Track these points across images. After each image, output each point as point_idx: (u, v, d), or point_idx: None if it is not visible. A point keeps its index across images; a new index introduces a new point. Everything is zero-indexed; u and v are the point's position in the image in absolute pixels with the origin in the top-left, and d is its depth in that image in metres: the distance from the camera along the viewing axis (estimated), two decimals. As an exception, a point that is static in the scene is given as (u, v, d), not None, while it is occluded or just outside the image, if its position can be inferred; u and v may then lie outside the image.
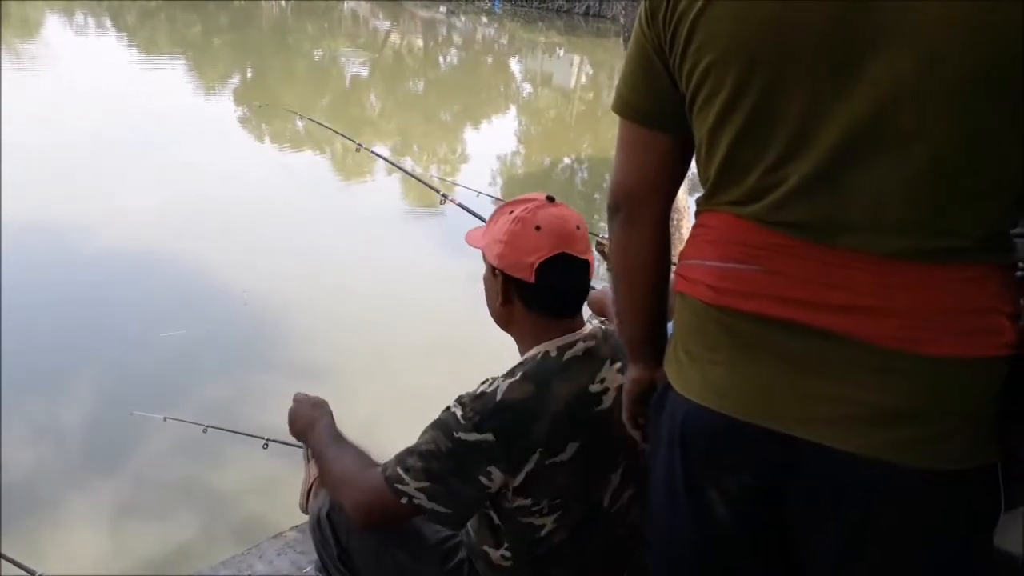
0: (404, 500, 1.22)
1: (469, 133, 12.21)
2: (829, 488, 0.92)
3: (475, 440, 1.19)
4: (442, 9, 27.83)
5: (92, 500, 3.23)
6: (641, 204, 1.09)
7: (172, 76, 13.32)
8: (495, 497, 1.26)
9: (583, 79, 18.27)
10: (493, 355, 4.84)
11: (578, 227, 1.28)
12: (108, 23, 19.67)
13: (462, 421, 1.21)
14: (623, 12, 3.99)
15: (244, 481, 3.31)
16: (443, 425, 1.23)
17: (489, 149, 10.61)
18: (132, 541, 3.04)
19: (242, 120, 11.01)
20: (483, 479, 1.21)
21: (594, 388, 1.26)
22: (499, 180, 9.40)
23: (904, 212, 0.86)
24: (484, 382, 1.26)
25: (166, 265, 5.53)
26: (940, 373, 0.87)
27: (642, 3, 1.02)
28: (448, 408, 1.25)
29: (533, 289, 1.26)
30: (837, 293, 0.89)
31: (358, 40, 21.24)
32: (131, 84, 12.11)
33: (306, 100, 12.88)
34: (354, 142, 3.22)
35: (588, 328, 1.32)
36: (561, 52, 21.36)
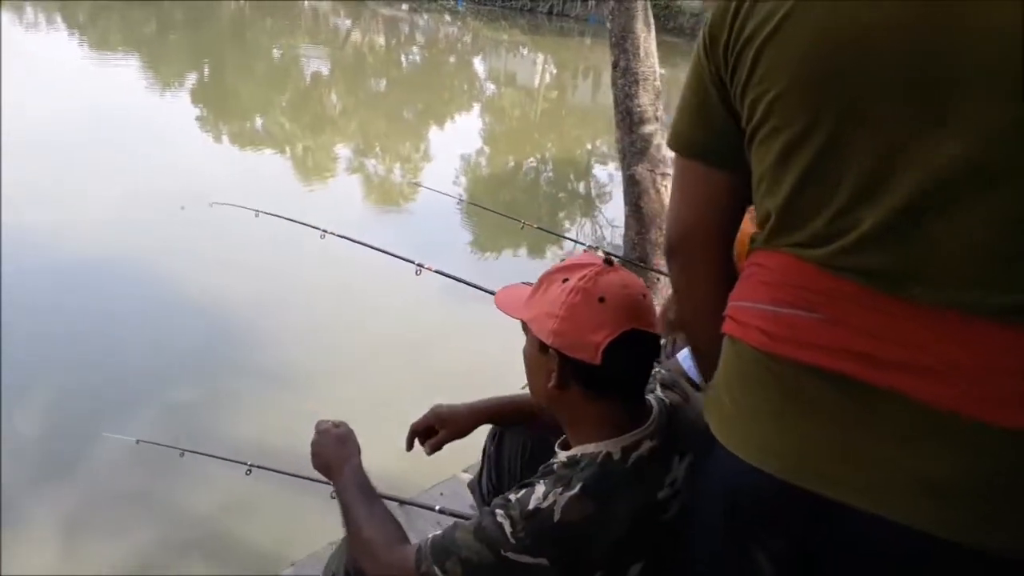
0: None
1: (433, 132, 12.09)
2: (878, 558, 0.85)
3: (527, 563, 1.05)
4: (404, 7, 27.58)
5: (58, 533, 2.99)
6: (701, 247, 1.03)
7: (126, 73, 12.96)
8: None
9: (547, 78, 18.23)
10: (466, 358, 4.78)
11: (644, 295, 1.13)
12: (59, 19, 19.10)
13: (511, 540, 1.06)
14: (610, 17, 3.91)
15: (225, 506, 3.13)
16: (488, 538, 1.08)
17: (453, 148, 10.50)
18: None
19: (200, 120, 10.75)
20: None
21: (663, 495, 1.12)
22: (463, 180, 9.30)
23: (985, 264, 0.79)
24: (533, 489, 1.09)
25: (124, 268, 5.34)
26: (1003, 445, 0.79)
27: (701, 32, 0.96)
28: (493, 514, 1.09)
29: (598, 372, 1.09)
30: (900, 349, 0.82)
31: (318, 38, 20.94)
32: (83, 81, 11.76)
33: (265, 98, 12.65)
34: (318, 229, 3.03)
35: (654, 415, 1.15)
36: (525, 51, 21.31)
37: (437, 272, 2.64)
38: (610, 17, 3.83)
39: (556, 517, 1.05)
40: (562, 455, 1.14)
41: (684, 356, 1.80)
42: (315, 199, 7.87)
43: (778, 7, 0.85)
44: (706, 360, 1.08)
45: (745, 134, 0.93)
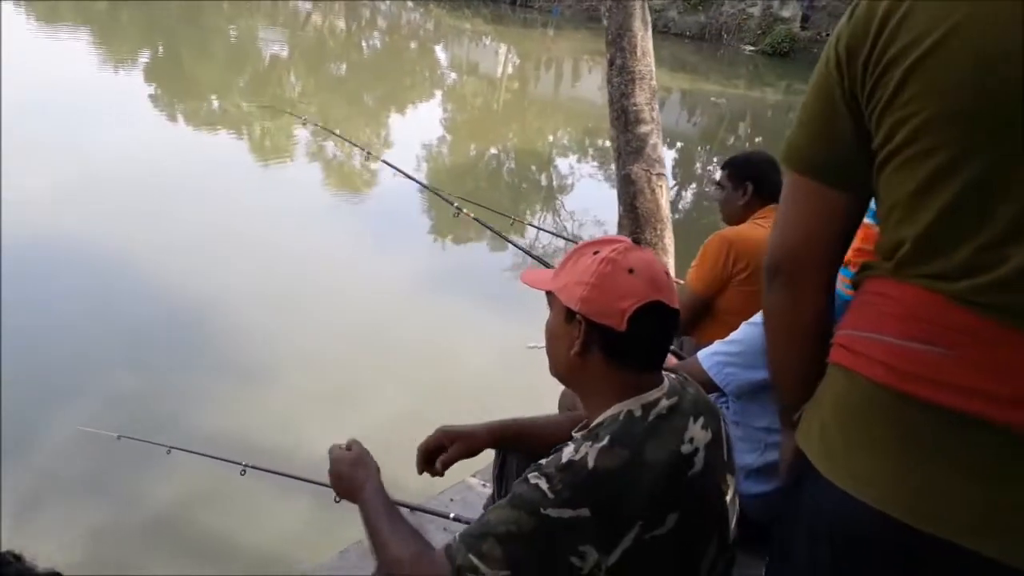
0: None
1: (394, 118, 11.96)
2: None
3: (568, 517, 1.05)
4: (366, -9, 27.24)
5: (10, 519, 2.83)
6: (807, 269, 1.00)
7: (76, 48, 12.53)
8: None
9: (510, 69, 18.17)
10: (424, 349, 4.71)
11: (667, 273, 1.17)
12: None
13: (550, 495, 1.06)
14: (607, 14, 3.81)
15: (216, 507, 2.97)
16: (525, 502, 1.07)
17: (414, 135, 10.40)
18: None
19: (153, 98, 10.46)
20: (574, 560, 1.07)
21: (685, 450, 1.14)
22: (424, 167, 9.22)
23: None
24: (562, 451, 1.11)
25: (74, 253, 5.13)
26: None
27: (832, 43, 0.91)
28: (526, 480, 1.10)
29: (622, 338, 1.12)
30: None
31: (277, 20, 20.54)
32: (30, 55, 11.33)
33: (222, 79, 12.36)
34: (363, 149, 3.05)
35: (667, 382, 1.19)
36: (488, 41, 21.20)
37: (475, 220, 2.69)
38: (607, 14, 3.76)
39: (591, 465, 1.06)
40: (580, 434, 1.15)
41: (704, 355, 1.81)
42: (273, 180, 7.73)
43: (935, 25, 0.80)
44: (792, 381, 1.08)
45: (876, 156, 0.89)
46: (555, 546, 1.06)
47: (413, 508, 2.17)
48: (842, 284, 1.55)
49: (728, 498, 1.20)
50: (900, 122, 0.84)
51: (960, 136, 0.80)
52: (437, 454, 1.52)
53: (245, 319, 4.57)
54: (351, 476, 1.34)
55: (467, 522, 1.82)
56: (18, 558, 0.82)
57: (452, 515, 1.90)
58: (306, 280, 5.29)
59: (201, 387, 3.86)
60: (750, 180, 2.39)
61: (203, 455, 2.24)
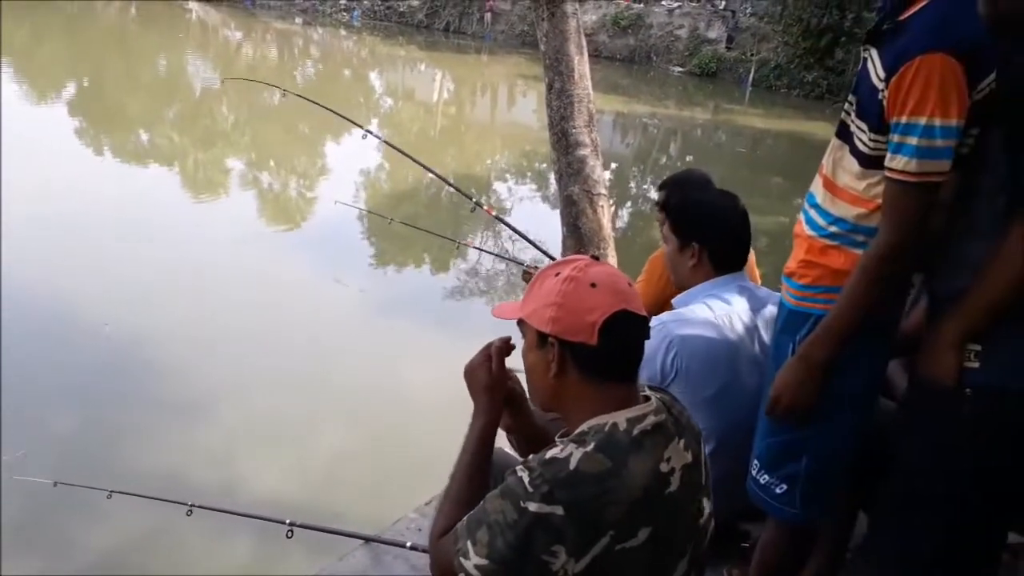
0: (462, 575, 1.13)
1: (330, 146, 11.87)
2: None
3: (544, 513, 1.07)
4: (298, 20, 27.06)
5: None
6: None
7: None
8: None
9: (445, 94, 18.27)
10: (370, 381, 4.63)
11: (629, 284, 1.19)
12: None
13: (529, 489, 1.08)
14: (544, 39, 3.83)
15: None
16: (510, 492, 1.11)
17: (351, 162, 10.35)
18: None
19: (79, 132, 10.18)
20: (547, 558, 1.08)
21: (663, 468, 1.15)
22: (363, 194, 9.18)
23: None
24: (549, 449, 1.13)
25: (8, 292, 4.94)
26: None
27: None
28: (514, 472, 1.13)
29: (595, 352, 1.14)
30: None
31: (208, 50, 20.24)
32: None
33: (152, 111, 12.11)
34: (361, 127, 3.32)
35: (654, 401, 1.19)
36: (423, 67, 21.28)
37: (496, 218, 2.99)
38: (543, 39, 3.82)
39: (572, 466, 1.08)
40: (565, 438, 1.16)
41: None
42: (205, 211, 7.59)
43: None
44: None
45: None
46: (530, 543, 1.08)
47: (368, 539, 2.14)
48: (786, 293, 1.58)
49: (703, 520, 1.22)
50: None
51: None
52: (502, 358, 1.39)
53: (181, 356, 4.46)
54: (474, 395, 1.34)
55: (425, 550, 1.80)
56: None
57: (408, 544, 1.86)
58: (245, 314, 5.20)
59: (138, 427, 3.75)
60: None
61: (147, 497, 2.17)
